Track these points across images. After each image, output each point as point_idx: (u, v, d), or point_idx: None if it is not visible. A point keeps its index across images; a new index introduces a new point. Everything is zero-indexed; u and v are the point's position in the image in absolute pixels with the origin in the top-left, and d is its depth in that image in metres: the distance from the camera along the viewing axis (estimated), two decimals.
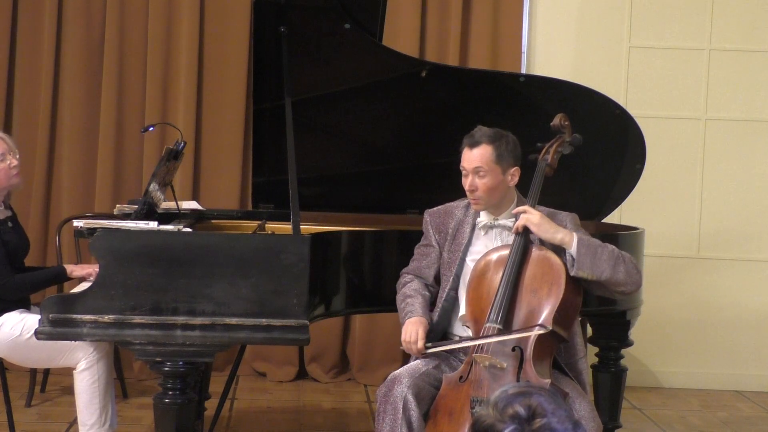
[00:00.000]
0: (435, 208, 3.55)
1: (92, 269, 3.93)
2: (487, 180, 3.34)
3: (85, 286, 3.76)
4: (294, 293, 3.37)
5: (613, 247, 3.30)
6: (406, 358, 3.55)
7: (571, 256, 3.24)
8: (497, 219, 3.43)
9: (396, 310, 3.46)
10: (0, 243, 3.91)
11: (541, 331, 3.13)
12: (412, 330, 3.32)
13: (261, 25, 3.98)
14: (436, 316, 3.44)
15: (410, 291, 3.47)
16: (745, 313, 5.84)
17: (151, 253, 3.36)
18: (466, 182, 3.37)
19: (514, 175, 3.39)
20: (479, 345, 3.19)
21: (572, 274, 3.23)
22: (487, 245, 3.41)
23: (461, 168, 3.39)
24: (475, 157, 3.35)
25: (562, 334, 3.22)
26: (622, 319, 4.21)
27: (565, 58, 5.74)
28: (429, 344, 3.31)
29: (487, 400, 1.73)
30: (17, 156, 4.03)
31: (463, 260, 3.43)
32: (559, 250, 3.29)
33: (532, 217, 3.26)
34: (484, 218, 3.44)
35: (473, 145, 3.36)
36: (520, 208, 3.30)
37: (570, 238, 3.25)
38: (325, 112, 4.27)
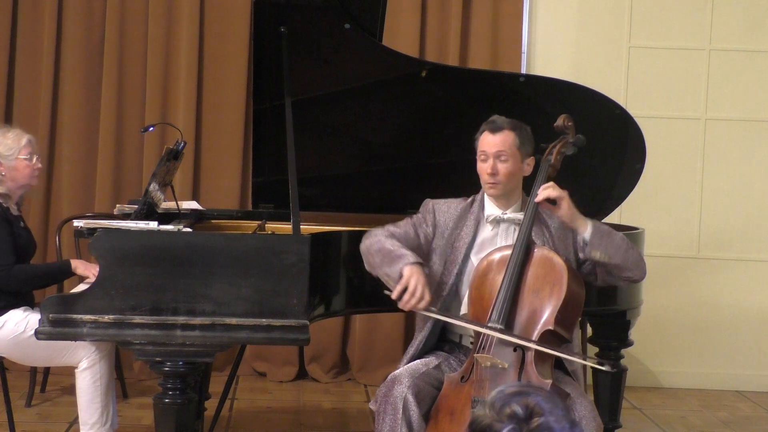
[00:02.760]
0: (438, 200, 3.51)
1: (95, 271, 3.90)
2: (508, 165, 3.35)
3: (84, 286, 3.76)
4: (294, 293, 3.37)
5: (624, 236, 3.38)
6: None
7: (584, 241, 3.30)
8: (506, 213, 3.43)
9: (396, 310, 3.40)
10: (9, 233, 3.93)
11: (535, 347, 3.13)
12: (418, 282, 3.17)
13: (261, 25, 3.98)
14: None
15: (398, 242, 3.32)
16: (745, 313, 5.84)
17: (151, 253, 3.36)
18: (486, 167, 3.36)
19: (529, 164, 3.42)
20: (481, 345, 3.19)
21: (584, 254, 3.30)
22: (493, 241, 3.41)
23: (480, 152, 3.38)
24: (498, 142, 3.35)
25: (564, 334, 3.22)
26: (622, 319, 4.21)
27: (565, 58, 5.74)
28: (433, 308, 3.25)
29: (484, 400, 1.72)
30: (40, 161, 4.17)
31: (467, 257, 3.41)
32: (566, 243, 3.34)
33: (561, 193, 3.29)
34: (491, 212, 3.43)
35: (495, 130, 3.37)
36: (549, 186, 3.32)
37: (586, 222, 3.32)
38: (325, 112, 4.27)
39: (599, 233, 3.30)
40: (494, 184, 3.37)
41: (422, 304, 3.19)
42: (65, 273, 4.14)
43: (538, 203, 3.31)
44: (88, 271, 3.99)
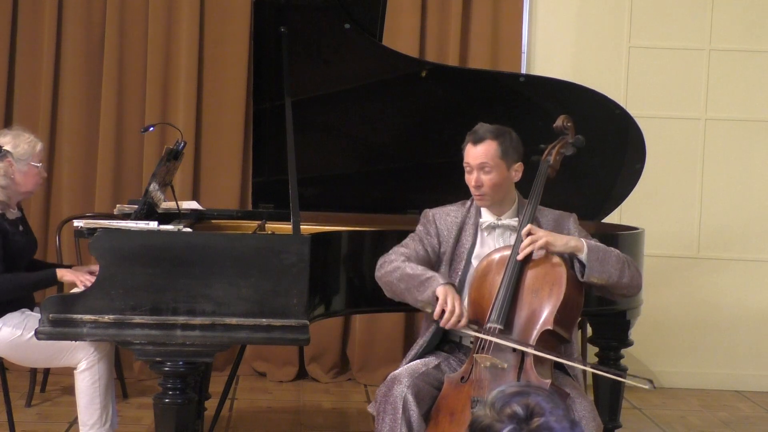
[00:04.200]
0: (436, 209, 3.53)
1: (85, 277, 3.84)
2: (492, 176, 3.35)
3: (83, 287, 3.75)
4: (294, 293, 3.37)
5: (618, 251, 3.33)
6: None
7: (581, 263, 3.25)
8: (500, 219, 3.43)
9: (397, 310, 3.40)
10: (0, 243, 3.91)
11: (534, 352, 3.12)
12: (455, 301, 3.18)
13: (261, 25, 3.98)
14: None
15: (419, 263, 3.33)
16: (745, 313, 5.84)
17: (151, 253, 3.36)
18: (471, 179, 3.37)
19: (517, 170, 3.40)
20: (480, 345, 3.19)
21: (583, 280, 3.24)
22: (490, 246, 3.41)
23: (465, 164, 3.39)
24: (479, 153, 3.34)
25: (564, 334, 3.22)
26: (622, 319, 4.21)
27: (565, 58, 5.74)
28: (474, 326, 3.22)
29: (484, 400, 1.72)
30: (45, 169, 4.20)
31: (468, 262, 3.42)
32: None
33: (543, 239, 3.22)
34: (486, 218, 3.44)
35: (477, 141, 3.36)
36: (525, 230, 3.26)
37: (581, 244, 3.25)
38: (325, 112, 4.27)
39: (594, 254, 3.24)
40: (480, 196, 3.38)
41: (463, 322, 3.20)
42: (50, 283, 4.05)
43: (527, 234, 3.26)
44: (76, 278, 3.88)
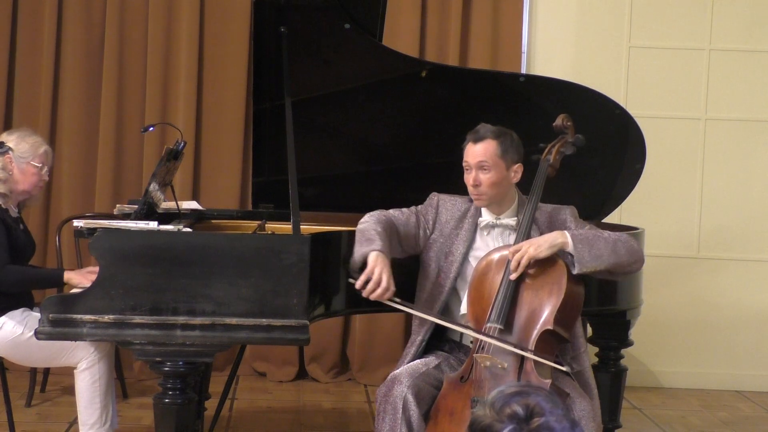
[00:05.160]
0: (444, 196, 3.52)
1: (89, 280, 3.83)
2: (491, 175, 3.35)
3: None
4: (294, 293, 3.36)
5: (607, 232, 3.32)
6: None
7: (571, 255, 3.24)
8: (499, 218, 3.43)
9: (398, 310, 3.39)
10: (5, 235, 3.93)
11: (532, 357, 3.12)
12: (382, 271, 3.17)
13: (261, 25, 3.98)
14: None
15: (381, 227, 3.31)
16: (745, 313, 5.84)
17: (151, 253, 3.36)
18: (470, 177, 3.37)
19: (517, 171, 3.40)
20: (480, 345, 3.19)
21: (576, 272, 3.22)
22: (489, 245, 3.41)
23: (464, 163, 3.39)
24: (479, 152, 3.35)
25: (563, 334, 3.22)
26: (622, 319, 4.21)
27: (565, 58, 5.74)
28: (397, 299, 3.21)
29: (483, 400, 1.72)
30: (49, 174, 4.21)
31: (465, 259, 3.42)
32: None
33: (527, 254, 3.19)
34: (486, 217, 3.44)
35: (477, 140, 3.37)
36: (511, 251, 3.24)
37: (566, 239, 3.23)
38: (325, 112, 4.27)
39: (580, 244, 3.21)
40: (478, 195, 3.38)
41: (387, 295, 3.19)
42: (57, 282, 4.07)
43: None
44: (83, 279, 3.86)
